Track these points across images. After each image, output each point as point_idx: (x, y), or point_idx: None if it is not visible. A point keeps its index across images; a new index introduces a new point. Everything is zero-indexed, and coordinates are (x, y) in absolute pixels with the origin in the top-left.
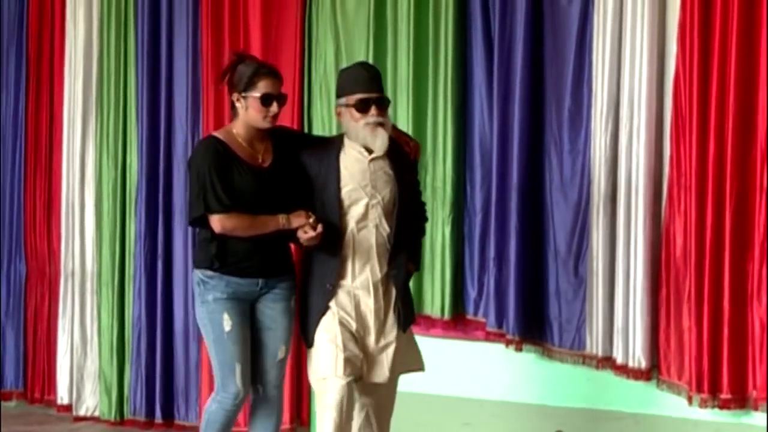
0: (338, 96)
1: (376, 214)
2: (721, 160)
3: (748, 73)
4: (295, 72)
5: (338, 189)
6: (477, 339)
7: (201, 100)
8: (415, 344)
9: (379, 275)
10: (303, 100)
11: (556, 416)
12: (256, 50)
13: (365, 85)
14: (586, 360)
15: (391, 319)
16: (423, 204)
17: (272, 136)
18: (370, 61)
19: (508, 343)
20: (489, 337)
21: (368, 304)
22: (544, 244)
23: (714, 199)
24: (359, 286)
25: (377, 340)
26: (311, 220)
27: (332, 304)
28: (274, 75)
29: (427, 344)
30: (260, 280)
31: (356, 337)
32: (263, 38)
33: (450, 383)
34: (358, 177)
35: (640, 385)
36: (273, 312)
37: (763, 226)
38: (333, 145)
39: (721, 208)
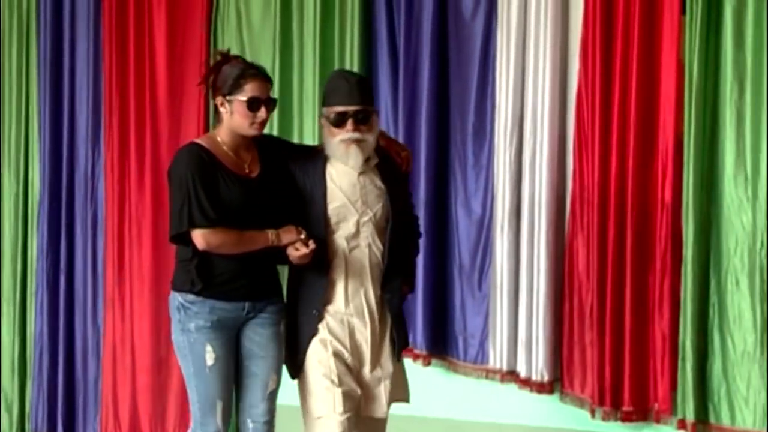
0: (322, 105)
1: (368, 232)
2: (622, 175)
3: (649, 88)
4: (201, 87)
5: (325, 205)
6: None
7: (103, 113)
8: (404, 373)
9: (373, 299)
10: (208, 116)
11: (462, 430)
12: (160, 63)
13: (343, 97)
14: (490, 374)
15: (387, 347)
16: (416, 218)
17: (258, 144)
18: (276, 74)
19: (416, 357)
20: None
21: (363, 333)
22: (448, 259)
23: (616, 214)
24: (353, 312)
25: (372, 370)
26: (302, 236)
27: (324, 332)
28: (263, 77)
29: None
30: (247, 304)
31: (351, 369)
32: (168, 52)
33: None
34: (348, 191)
35: (543, 398)
36: (261, 339)
37: (664, 240)
38: (320, 155)
39: (622, 223)
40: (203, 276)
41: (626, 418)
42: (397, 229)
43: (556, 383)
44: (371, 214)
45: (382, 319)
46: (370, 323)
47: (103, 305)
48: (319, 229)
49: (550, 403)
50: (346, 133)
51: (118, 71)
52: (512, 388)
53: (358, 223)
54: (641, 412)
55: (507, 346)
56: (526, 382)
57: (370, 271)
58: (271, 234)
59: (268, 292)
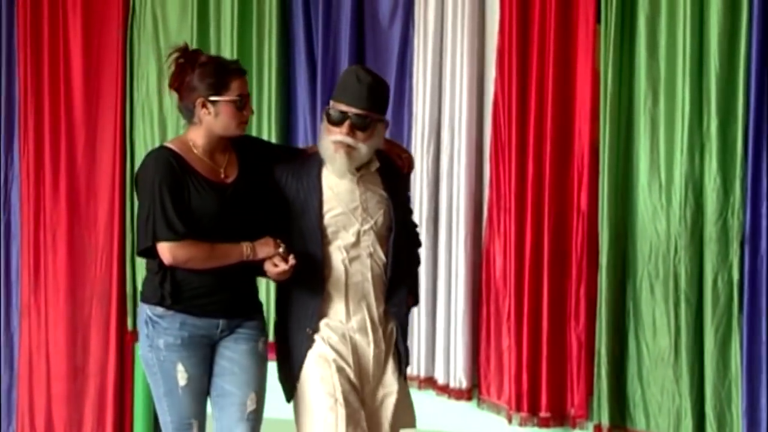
0: (329, 100)
1: (369, 242)
2: (539, 182)
3: (565, 96)
4: (117, 93)
5: (320, 214)
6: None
7: (17, 119)
8: (409, 394)
9: (377, 313)
10: (125, 123)
11: None
12: (76, 68)
13: (350, 97)
14: (408, 381)
15: (391, 365)
16: (415, 226)
17: (236, 146)
18: None
19: None
20: None
21: (367, 350)
22: None
23: (533, 221)
24: (356, 327)
25: (376, 390)
26: (281, 250)
27: (325, 347)
28: (244, 72)
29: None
30: (221, 321)
31: (356, 389)
32: (84, 56)
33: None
34: (346, 199)
35: (461, 404)
36: (235, 354)
37: (581, 246)
38: (314, 159)
39: (539, 230)
40: (174, 290)
41: (543, 423)
42: (399, 238)
43: (474, 389)
44: (372, 222)
45: (387, 333)
46: (375, 339)
47: (19, 312)
48: (314, 240)
49: (468, 409)
50: (339, 134)
51: (32, 76)
52: (430, 394)
53: (358, 233)
54: (558, 418)
55: (425, 352)
56: (444, 389)
57: (373, 283)
58: (246, 247)
59: (245, 309)
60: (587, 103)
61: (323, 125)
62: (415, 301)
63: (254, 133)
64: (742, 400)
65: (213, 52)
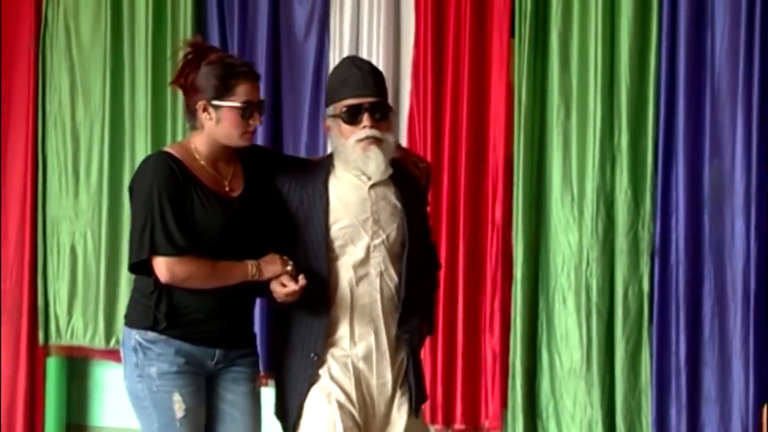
0: (326, 105)
1: (379, 258)
2: (454, 195)
3: (480, 110)
4: (29, 106)
5: (326, 225)
6: None
7: None
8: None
9: (386, 341)
10: (36, 135)
11: None
12: None
13: (356, 88)
14: None
15: (399, 398)
16: (433, 245)
17: (242, 156)
18: (107, 94)
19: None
20: None
21: (373, 381)
22: None
23: (448, 233)
24: (361, 356)
25: (384, 427)
26: (289, 269)
27: (326, 380)
28: (254, 75)
29: None
30: (218, 351)
31: (359, 426)
32: None
33: None
34: (356, 209)
35: None
36: (236, 397)
37: (495, 259)
38: (320, 168)
39: (454, 242)
40: (167, 313)
41: None
42: (414, 256)
43: None
44: (384, 237)
45: (396, 363)
46: (381, 370)
47: None
48: (319, 255)
49: None
50: (362, 130)
51: None
52: None
53: (368, 248)
54: (472, 430)
55: None
56: None
57: (382, 306)
58: (251, 266)
59: (243, 340)
60: (501, 116)
61: (333, 134)
62: (430, 330)
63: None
64: (652, 410)
65: (126, 65)
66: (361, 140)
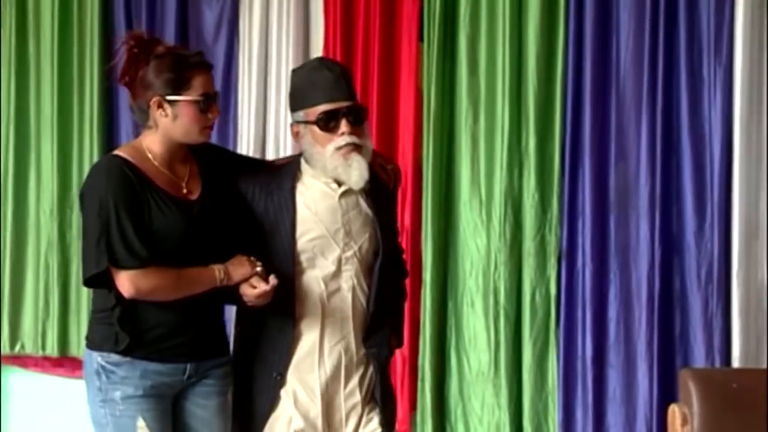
0: (293, 109)
1: (351, 272)
2: None
3: (389, 114)
4: None
5: (293, 237)
6: None
7: None
8: None
9: (355, 357)
10: None
11: None
12: None
13: (330, 93)
14: None
15: (368, 415)
16: (402, 251)
17: (197, 157)
18: (12, 98)
19: None
20: None
21: (340, 401)
22: None
23: None
24: (329, 374)
25: None
26: (258, 269)
27: (289, 405)
28: (209, 65)
29: (74, 386)
30: (189, 366)
31: None
32: None
33: None
34: (326, 220)
35: None
36: (205, 413)
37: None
38: (286, 173)
39: None
40: (130, 330)
41: None
42: (386, 267)
43: None
44: (356, 248)
45: (365, 380)
46: (352, 388)
47: None
48: (286, 267)
49: None
50: (341, 137)
51: None
52: None
53: (339, 260)
54: None
55: None
56: None
57: (353, 321)
58: (218, 271)
59: (214, 350)
60: (410, 120)
61: (307, 141)
62: (399, 343)
63: (76, 150)
64: (558, 412)
65: (32, 69)
66: (340, 148)
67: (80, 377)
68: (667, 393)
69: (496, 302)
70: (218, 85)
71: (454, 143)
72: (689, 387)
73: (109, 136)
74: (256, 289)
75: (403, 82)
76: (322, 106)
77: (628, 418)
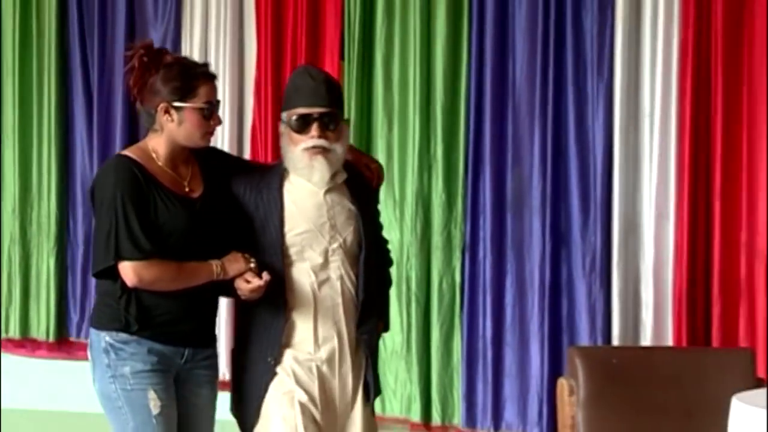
0: (281, 111)
1: (338, 262)
2: None
3: None
4: None
5: (281, 232)
6: (81, 359)
7: None
8: (374, 424)
9: (347, 342)
10: None
11: None
12: None
13: (307, 98)
14: None
15: (360, 396)
16: (386, 242)
17: (198, 158)
18: None
19: None
20: None
21: (334, 382)
22: None
23: None
24: (324, 358)
25: (345, 425)
26: (252, 265)
27: (290, 382)
28: (213, 76)
29: (33, 365)
30: (187, 351)
31: (319, 425)
32: None
33: (58, 399)
34: (312, 215)
35: None
36: (198, 400)
37: None
38: (274, 173)
39: None
40: (141, 315)
41: None
42: (370, 257)
43: None
44: (341, 240)
45: (356, 363)
46: (345, 371)
47: None
48: (276, 260)
49: None
50: (311, 139)
51: None
52: None
53: (326, 252)
54: None
55: None
56: None
57: (344, 309)
58: (215, 266)
59: (209, 339)
60: None
61: (284, 140)
62: (386, 327)
63: (35, 156)
64: (462, 385)
65: None
66: (307, 149)
67: (40, 356)
68: (556, 368)
69: (408, 289)
70: None
71: (371, 149)
72: (575, 362)
73: (66, 144)
74: (250, 284)
75: None
76: (299, 109)
77: (522, 390)
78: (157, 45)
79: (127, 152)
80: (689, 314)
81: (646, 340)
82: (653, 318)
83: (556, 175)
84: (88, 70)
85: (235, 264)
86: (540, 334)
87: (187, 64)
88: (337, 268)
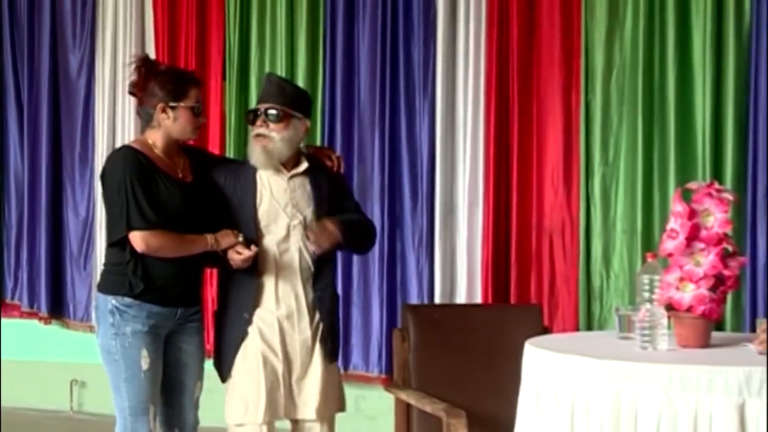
0: None
1: (298, 236)
2: None
3: (202, 134)
4: None
5: (255, 208)
6: (14, 317)
7: None
8: (337, 379)
9: (304, 302)
10: None
11: (73, 368)
12: None
13: (261, 97)
14: (93, 329)
15: (318, 349)
16: (363, 214)
17: (187, 153)
18: None
19: (39, 319)
20: (23, 316)
21: (294, 336)
22: (62, 248)
23: None
24: (285, 314)
25: (303, 374)
26: (240, 239)
27: (256, 338)
28: (199, 81)
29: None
30: (180, 310)
31: (280, 376)
32: None
33: None
34: (278, 196)
35: None
36: (190, 347)
37: None
38: (250, 164)
39: None
40: (145, 280)
41: None
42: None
43: None
44: (301, 218)
45: (314, 320)
46: (303, 326)
47: None
48: (249, 232)
49: None
50: (255, 129)
51: None
52: None
53: (288, 227)
54: None
55: None
56: None
57: (302, 274)
58: (210, 238)
59: (196, 299)
60: (217, 137)
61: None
62: (343, 238)
63: None
64: None
65: None
66: (253, 136)
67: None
68: (392, 321)
69: None
70: (79, 110)
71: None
72: (407, 317)
73: (1, 148)
74: (241, 255)
75: (212, 108)
76: (254, 106)
77: (366, 339)
78: (76, 67)
79: (131, 144)
80: (494, 278)
81: (461, 298)
82: (466, 282)
83: (392, 172)
84: (19, 85)
85: (226, 238)
86: (380, 295)
87: (180, 72)
88: (296, 241)
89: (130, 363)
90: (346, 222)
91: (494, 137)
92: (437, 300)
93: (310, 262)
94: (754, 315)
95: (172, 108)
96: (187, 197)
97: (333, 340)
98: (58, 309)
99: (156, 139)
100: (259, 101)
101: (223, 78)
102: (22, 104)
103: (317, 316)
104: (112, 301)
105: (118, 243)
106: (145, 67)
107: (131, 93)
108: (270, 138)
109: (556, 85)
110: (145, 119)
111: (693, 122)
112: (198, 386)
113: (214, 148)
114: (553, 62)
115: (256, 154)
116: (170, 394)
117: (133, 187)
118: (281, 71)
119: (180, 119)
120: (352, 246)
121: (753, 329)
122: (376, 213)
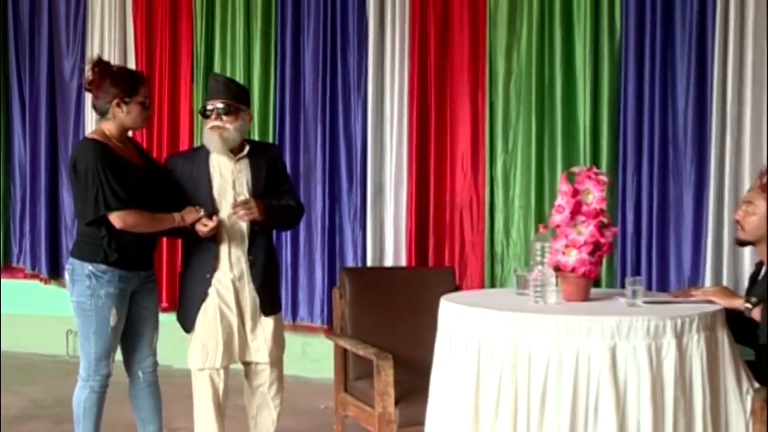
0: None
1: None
2: None
3: (173, 129)
4: None
5: (210, 188)
6: (19, 278)
7: None
8: (279, 327)
9: (250, 263)
10: None
11: (68, 321)
12: None
13: (211, 95)
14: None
15: (262, 303)
16: (296, 196)
17: (133, 142)
18: None
19: (40, 279)
20: (26, 277)
21: (245, 293)
22: (58, 221)
23: None
24: (237, 277)
25: (254, 326)
26: (203, 213)
27: (214, 296)
28: (146, 80)
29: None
30: (142, 273)
31: (235, 327)
32: None
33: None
34: (226, 176)
35: None
36: (149, 303)
37: None
38: (202, 151)
39: None
40: (118, 250)
41: None
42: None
43: None
44: (246, 194)
45: (256, 278)
46: (249, 286)
47: None
48: (207, 207)
49: None
50: (211, 122)
51: None
52: None
53: (234, 202)
54: None
55: None
56: None
57: (248, 240)
58: (177, 216)
59: (152, 262)
60: (187, 130)
61: (202, 124)
62: (263, 217)
63: None
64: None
65: None
66: (210, 128)
67: None
68: (332, 281)
69: None
70: (72, 107)
71: None
72: (344, 278)
73: (7, 136)
74: (207, 226)
75: (182, 106)
76: (207, 102)
77: (310, 295)
78: (69, 70)
79: (92, 136)
80: (416, 246)
81: (389, 262)
82: (393, 248)
83: (332, 158)
84: (21, 86)
85: (190, 214)
86: (322, 259)
87: (131, 71)
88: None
89: (100, 319)
90: (270, 205)
91: (416, 129)
92: (369, 263)
93: (245, 232)
94: (623, 274)
95: (126, 102)
96: (144, 179)
97: (264, 297)
98: (56, 271)
99: (111, 129)
100: (209, 98)
101: (192, 80)
102: (24, 102)
103: (260, 276)
104: (89, 266)
105: (95, 221)
106: (99, 67)
107: (87, 90)
108: (225, 128)
109: (465, 87)
110: (101, 112)
111: (576, 118)
112: (155, 336)
113: (185, 140)
114: (463, 68)
115: (214, 142)
116: (133, 343)
117: (105, 173)
118: (239, 74)
119: (132, 112)
120: (274, 224)
121: (623, 285)
122: (318, 192)
